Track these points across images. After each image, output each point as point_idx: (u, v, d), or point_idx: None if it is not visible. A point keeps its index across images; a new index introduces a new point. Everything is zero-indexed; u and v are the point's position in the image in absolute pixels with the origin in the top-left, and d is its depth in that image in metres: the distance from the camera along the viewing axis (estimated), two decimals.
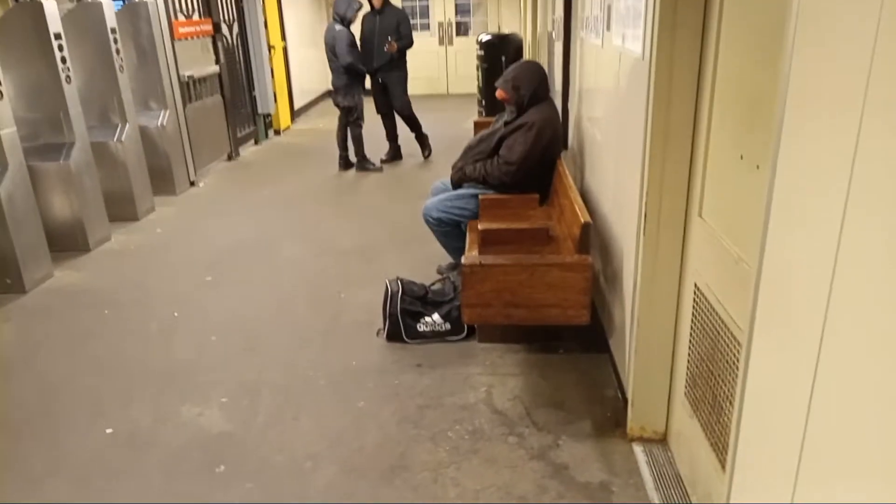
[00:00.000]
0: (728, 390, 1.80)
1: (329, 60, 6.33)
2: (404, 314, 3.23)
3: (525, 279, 2.69)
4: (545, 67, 4.12)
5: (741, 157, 1.69)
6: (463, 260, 2.79)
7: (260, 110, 8.12)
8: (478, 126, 5.06)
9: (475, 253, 2.99)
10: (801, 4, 1.07)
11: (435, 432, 2.57)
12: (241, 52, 7.71)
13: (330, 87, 6.68)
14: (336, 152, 6.73)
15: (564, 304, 2.70)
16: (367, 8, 6.50)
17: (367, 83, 6.59)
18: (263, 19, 8.06)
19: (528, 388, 2.85)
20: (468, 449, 2.47)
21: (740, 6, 1.73)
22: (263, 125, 8.29)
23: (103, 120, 5.07)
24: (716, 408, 1.90)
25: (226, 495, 2.29)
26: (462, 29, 12.06)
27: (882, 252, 0.93)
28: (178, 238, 4.92)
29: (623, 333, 2.62)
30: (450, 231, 3.67)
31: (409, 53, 6.65)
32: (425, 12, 11.95)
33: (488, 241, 3.13)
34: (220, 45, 7.00)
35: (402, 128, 6.92)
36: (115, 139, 5.04)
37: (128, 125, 5.12)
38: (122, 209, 5.12)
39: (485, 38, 8.15)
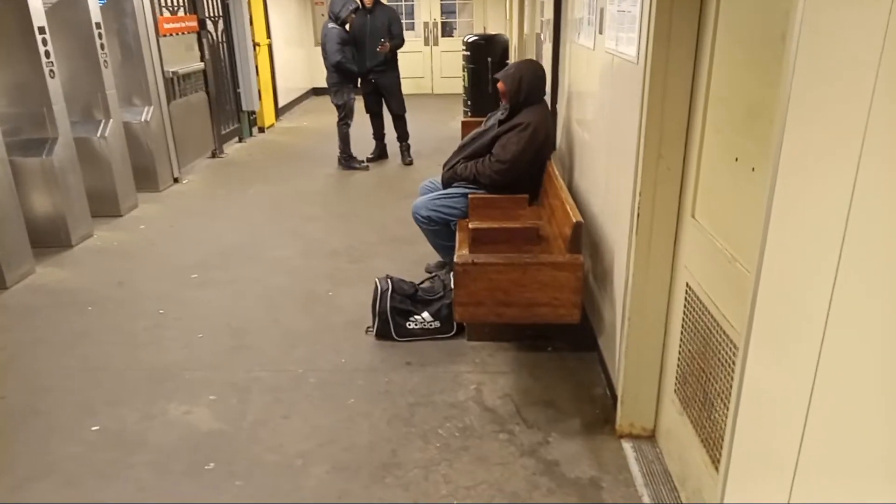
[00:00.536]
0: (719, 388, 1.83)
1: (323, 58, 6.34)
2: (394, 312, 3.24)
3: (517, 278, 2.71)
4: None
5: (736, 160, 1.72)
6: (456, 259, 2.80)
7: (244, 107, 8.06)
8: (466, 126, 5.06)
9: (467, 252, 3.00)
10: (805, 6, 1.08)
11: (426, 430, 2.58)
12: (226, 49, 7.65)
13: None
14: (320, 150, 6.68)
15: (556, 303, 2.73)
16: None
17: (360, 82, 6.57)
18: (249, 16, 8.01)
19: (517, 385, 2.87)
20: (459, 446, 2.48)
21: (736, 11, 1.76)
22: (248, 123, 8.23)
23: (87, 115, 5.00)
24: (706, 405, 1.93)
25: (216, 494, 2.28)
26: (447, 29, 12.06)
27: (882, 253, 0.95)
28: (162, 235, 4.87)
29: (613, 332, 2.65)
30: (439, 230, 3.68)
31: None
32: (411, 12, 11.94)
33: (479, 240, 3.13)
34: (205, 41, 6.94)
35: (388, 127, 6.90)
36: (98, 135, 4.97)
37: (111, 121, 5.06)
38: (105, 205, 5.06)
39: (471, 38, 8.16)
